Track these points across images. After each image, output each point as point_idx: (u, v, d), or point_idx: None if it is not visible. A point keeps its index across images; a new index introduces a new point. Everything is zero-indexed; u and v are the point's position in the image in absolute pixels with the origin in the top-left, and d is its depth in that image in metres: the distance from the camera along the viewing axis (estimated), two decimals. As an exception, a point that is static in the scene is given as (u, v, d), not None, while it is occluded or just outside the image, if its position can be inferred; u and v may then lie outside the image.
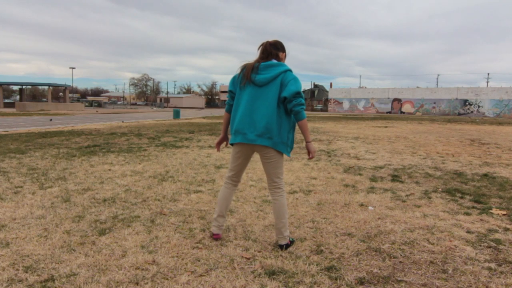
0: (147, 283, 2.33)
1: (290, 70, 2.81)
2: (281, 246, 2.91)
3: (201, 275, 2.45)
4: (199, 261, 2.66)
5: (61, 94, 67.85)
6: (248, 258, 2.71)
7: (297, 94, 2.72)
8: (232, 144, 2.99)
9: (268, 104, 2.76)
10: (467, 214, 3.90)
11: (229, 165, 3.09)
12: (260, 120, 2.78)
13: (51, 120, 20.18)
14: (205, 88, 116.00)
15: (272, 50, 2.86)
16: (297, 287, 2.33)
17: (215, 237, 3.06)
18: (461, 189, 4.98)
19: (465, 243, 3.09)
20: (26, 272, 2.44)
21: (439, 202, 4.33)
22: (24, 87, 64.31)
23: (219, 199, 3.08)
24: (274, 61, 2.85)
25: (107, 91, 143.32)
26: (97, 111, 41.03)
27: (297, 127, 2.97)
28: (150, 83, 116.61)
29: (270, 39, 2.94)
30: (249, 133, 2.81)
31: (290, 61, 3.02)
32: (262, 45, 2.89)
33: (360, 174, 5.95)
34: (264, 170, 2.96)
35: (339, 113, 52.33)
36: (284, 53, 2.95)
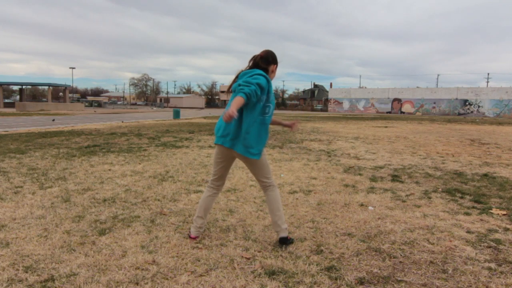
0: (147, 283, 2.33)
1: (258, 74, 2.77)
2: (283, 240, 2.93)
3: (201, 275, 2.45)
4: (199, 261, 2.66)
5: (61, 94, 67.80)
6: (248, 258, 2.71)
7: (239, 85, 2.70)
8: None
9: None
10: (467, 214, 3.90)
11: (212, 169, 3.17)
12: (224, 123, 2.85)
13: (53, 120, 20.05)
14: (205, 88, 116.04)
15: (261, 64, 2.89)
16: (297, 287, 2.33)
17: (191, 237, 3.08)
18: (461, 189, 4.98)
19: (465, 243, 3.09)
20: (26, 272, 2.44)
21: (439, 202, 4.33)
22: (24, 87, 64.30)
23: (200, 200, 3.15)
24: (254, 69, 2.86)
25: (107, 91, 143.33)
26: (95, 111, 41.00)
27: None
28: (150, 83, 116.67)
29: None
30: (219, 135, 2.91)
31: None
32: (253, 58, 2.93)
33: (360, 174, 5.95)
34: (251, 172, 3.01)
35: (339, 113, 52.33)
36: (275, 65, 2.96)
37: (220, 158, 3.01)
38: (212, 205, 3.16)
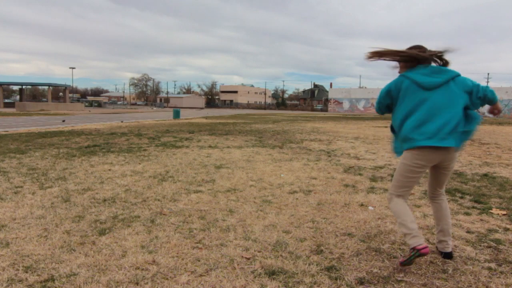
0: (147, 283, 2.33)
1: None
2: (447, 255, 2.75)
3: (201, 275, 2.45)
4: (199, 261, 2.66)
5: (61, 94, 67.78)
6: (248, 258, 2.71)
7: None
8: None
9: None
10: (467, 214, 3.90)
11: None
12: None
13: (64, 121, 19.90)
14: (205, 88, 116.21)
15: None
16: (297, 287, 2.33)
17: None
18: (461, 189, 4.98)
19: (465, 243, 3.09)
20: (26, 272, 2.44)
21: (439, 202, 4.33)
22: (24, 87, 64.27)
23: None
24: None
25: (107, 91, 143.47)
26: (89, 111, 41.02)
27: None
28: (150, 83, 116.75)
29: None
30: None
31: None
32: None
33: (360, 174, 5.95)
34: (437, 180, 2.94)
35: (339, 113, 52.32)
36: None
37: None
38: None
